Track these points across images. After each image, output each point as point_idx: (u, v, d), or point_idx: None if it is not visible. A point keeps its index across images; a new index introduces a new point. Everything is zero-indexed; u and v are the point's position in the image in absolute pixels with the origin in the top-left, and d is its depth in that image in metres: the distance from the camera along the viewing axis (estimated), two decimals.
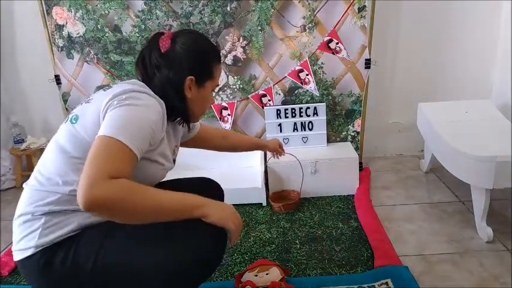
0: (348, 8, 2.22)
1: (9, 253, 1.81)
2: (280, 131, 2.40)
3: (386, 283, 1.51)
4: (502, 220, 1.91)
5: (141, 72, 1.19)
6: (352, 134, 2.48)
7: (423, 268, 1.62)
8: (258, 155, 2.33)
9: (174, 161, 1.33)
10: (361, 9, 2.23)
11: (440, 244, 1.78)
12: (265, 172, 2.23)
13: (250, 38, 2.30)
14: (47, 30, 2.32)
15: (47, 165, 1.10)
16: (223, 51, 2.33)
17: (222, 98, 2.41)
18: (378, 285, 1.50)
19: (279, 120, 2.38)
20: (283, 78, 2.36)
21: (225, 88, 2.40)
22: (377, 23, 2.26)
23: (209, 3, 2.24)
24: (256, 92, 2.39)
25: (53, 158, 1.09)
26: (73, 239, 1.07)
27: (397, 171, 2.53)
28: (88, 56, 2.37)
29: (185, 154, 2.46)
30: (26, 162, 2.69)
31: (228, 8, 2.25)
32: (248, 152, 2.38)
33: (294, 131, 2.40)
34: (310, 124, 2.39)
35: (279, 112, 2.37)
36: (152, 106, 1.08)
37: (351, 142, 2.48)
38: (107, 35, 2.32)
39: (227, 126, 2.41)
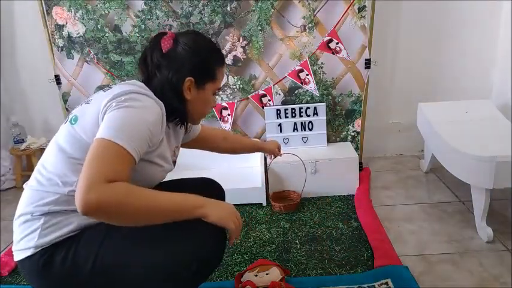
0: (348, 8, 2.22)
1: (9, 253, 1.81)
2: (280, 131, 2.40)
3: (386, 283, 1.51)
4: (502, 220, 1.91)
5: (143, 72, 1.19)
6: (352, 134, 2.48)
7: (423, 268, 1.62)
8: (258, 154, 2.33)
9: (175, 162, 1.33)
10: (361, 9, 2.23)
11: (440, 244, 1.78)
12: (266, 172, 2.23)
13: (250, 38, 2.30)
14: (47, 30, 2.32)
15: (46, 165, 1.10)
16: (223, 51, 2.32)
17: (222, 98, 2.41)
18: (378, 285, 1.50)
19: (279, 120, 2.38)
20: (283, 78, 2.36)
21: (225, 88, 2.40)
22: (377, 23, 2.26)
23: (209, 3, 2.24)
24: (256, 92, 2.39)
25: (53, 158, 1.10)
26: (73, 239, 1.07)
27: (397, 171, 2.53)
28: (88, 56, 2.37)
29: (185, 154, 2.46)
30: (26, 162, 2.69)
31: (228, 8, 2.25)
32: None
33: (294, 131, 2.40)
34: (310, 124, 2.39)
35: (279, 112, 2.37)
36: (150, 107, 1.08)
37: (351, 142, 2.48)
38: (107, 35, 2.32)
39: (227, 126, 2.41)
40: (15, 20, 2.54)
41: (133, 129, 1.00)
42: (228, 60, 2.34)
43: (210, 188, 1.46)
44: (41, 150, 2.61)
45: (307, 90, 2.36)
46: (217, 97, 2.41)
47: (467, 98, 2.38)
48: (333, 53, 2.28)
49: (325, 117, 2.37)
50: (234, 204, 2.17)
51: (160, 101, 1.11)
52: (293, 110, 2.37)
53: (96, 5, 2.27)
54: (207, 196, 1.09)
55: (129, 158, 0.97)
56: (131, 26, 2.30)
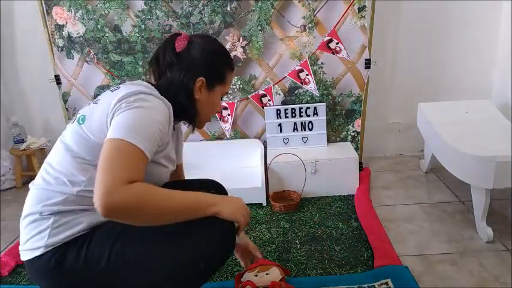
0: (348, 8, 2.22)
1: (9, 253, 1.81)
2: (280, 131, 2.40)
3: (386, 283, 1.51)
4: (502, 220, 1.91)
5: (153, 71, 1.19)
6: (352, 134, 2.48)
7: (423, 268, 1.62)
8: (258, 155, 2.33)
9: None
10: (361, 9, 2.23)
11: (440, 244, 1.78)
12: (266, 172, 2.23)
13: (250, 38, 2.30)
14: (47, 30, 2.32)
15: (53, 164, 1.11)
16: (220, 96, 2.32)
17: (221, 98, 2.41)
18: (378, 285, 1.51)
19: (279, 120, 2.38)
20: (283, 78, 2.36)
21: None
22: (377, 23, 2.26)
23: (209, 3, 2.24)
24: (256, 92, 2.39)
25: (60, 158, 1.10)
26: (84, 238, 1.07)
27: (397, 171, 2.53)
28: (88, 56, 2.37)
29: (185, 154, 2.47)
30: (26, 162, 2.69)
31: (228, 8, 2.25)
32: (248, 151, 2.40)
33: (294, 131, 2.40)
34: (310, 124, 2.39)
35: (279, 112, 2.37)
36: (158, 107, 1.08)
37: (351, 142, 2.48)
38: (107, 35, 2.32)
39: (227, 126, 2.41)
40: (15, 20, 2.54)
41: (145, 129, 1.01)
42: None
43: (215, 190, 1.46)
44: (41, 150, 2.62)
45: (307, 90, 2.36)
46: None
47: (467, 98, 2.39)
48: (333, 53, 2.28)
49: (325, 117, 2.37)
50: None
51: (167, 101, 1.12)
52: (293, 110, 2.37)
53: (96, 5, 2.27)
54: None
55: (143, 157, 0.99)
56: (131, 26, 2.30)
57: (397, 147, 2.76)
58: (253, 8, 2.24)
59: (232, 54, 2.33)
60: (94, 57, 2.36)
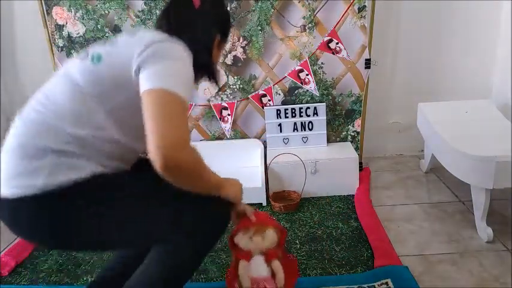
0: (348, 8, 2.22)
1: (9, 253, 1.81)
2: (280, 131, 2.40)
3: (386, 283, 1.51)
4: (502, 220, 1.91)
5: (166, 30, 1.13)
6: (352, 134, 2.48)
7: (423, 268, 1.62)
8: (258, 155, 2.33)
9: None
10: (361, 9, 2.23)
11: (440, 244, 1.78)
12: (266, 172, 2.23)
13: (250, 38, 2.30)
14: (47, 30, 2.32)
15: (52, 98, 1.02)
16: (223, 51, 2.33)
17: (222, 98, 2.41)
18: (378, 285, 1.51)
19: (279, 120, 2.38)
20: (283, 78, 2.36)
21: (225, 88, 2.40)
22: (377, 23, 2.26)
23: None
24: (256, 92, 2.39)
25: (63, 93, 1.02)
26: (85, 187, 0.97)
27: (397, 171, 2.53)
28: None
29: None
30: None
31: (228, 8, 2.25)
32: (248, 151, 2.40)
33: (294, 131, 2.40)
34: (310, 124, 2.39)
35: (279, 112, 2.37)
36: (189, 57, 1.06)
37: (351, 142, 2.48)
38: (107, 35, 2.32)
39: (227, 126, 2.41)
40: (15, 20, 2.54)
41: (188, 83, 1.02)
42: (228, 60, 2.34)
43: None
44: None
45: (307, 90, 2.36)
46: (217, 97, 2.41)
47: (467, 98, 2.38)
48: (333, 53, 2.28)
49: (325, 117, 2.36)
50: None
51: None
52: (293, 110, 2.37)
53: (96, 5, 2.27)
54: None
55: (188, 109, 1.04)
56: (131, 26, 2.30)
57: (397, 147, 2.76)
58: (253, 8, 2.24)
59: (232, 54, 2.33)
60: None
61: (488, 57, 2.52)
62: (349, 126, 2.47)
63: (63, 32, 2.33)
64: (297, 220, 2.03)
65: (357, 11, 2.23)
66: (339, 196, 2.25)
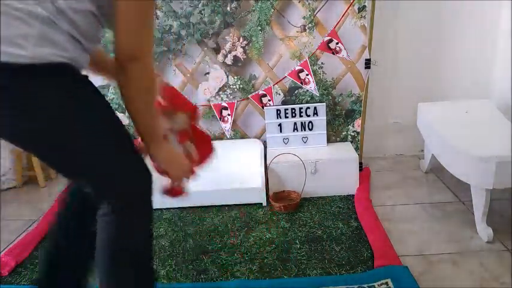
0: (348, 8, 2.22)
1: (9, 253, 1.81)
2: (280, 131, 2.40)
3: (386, 283, 1.51)
4: (502, 220, 1.91)
5: None
6: (352, 134, 2.48)
7: (423, 268, 1.62)
8: (258, 155, 2.33)
9: None
10: (361, 9, 2.23)
11: (440, 244, 1.78)
12: (266, 172, 2.23)
13: (250, 38, 2.30)
14: None
15: None
16: (223, 51, 2.33)
17: (222, 98, 2.41)
18: (378, 285, 1.51)
19: (279, 120, 2.38)
20: (283, 78, 2.36)
21: (225, 88, 2.40)
22: (377, 23, 2.26)
23: (209, 3, 2.24)
24: (256, 92, 2.39)
25: None
26: (67, 74, 0.97)
27: (397, 171, 2.53)
28: None
29: None
30: (27, 161, 2.69)
31: (228, 8, 2.25)
32: (248, 151, 2.40)
33: (294, 131, 2.40)
34: (310, 124, 2.39)
35: (279, 112, 2.37)
36: None
37: (351, 142, 2.48)
38: (107, 35, 2.32)
39: (227, 126, 2.41)
40: None
41: None
42: (228, 60, 2.34)
43: None
44: None
45: (307, 90, 2.36)
46: (217, 97, 2.41)
47: (467, 98, 2.39)
48: (333, 53, 2.28)
49: (325, 117, 2.36)
50: (234, 205, 2.19)
51: None
52: (293, 110, 2.37)
53: None
54: None
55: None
56: None
57: (397, 147, 2.76)
58: (253, 8, 2.24)
59: (232, 54, 2.33)
60: None
61: (488, 58, 2.52)
62: (349, 126, 2.47)
63: None
64: (297, 220, 2.04)
65: (357, 11, 2.23)
66: (339, 196, 2.25)
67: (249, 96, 2.39)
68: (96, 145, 1.03)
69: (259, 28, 2.28)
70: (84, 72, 1.06)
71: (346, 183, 2.25)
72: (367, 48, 2.29)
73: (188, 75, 2.38)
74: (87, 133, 1.01)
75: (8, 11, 0.90)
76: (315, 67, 2.33)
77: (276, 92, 2.40)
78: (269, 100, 2.38)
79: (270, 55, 2.34)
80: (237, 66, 2.36)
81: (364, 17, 2.24)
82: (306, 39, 2.30)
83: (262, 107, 2.39)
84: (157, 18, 2.28)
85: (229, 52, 2.33)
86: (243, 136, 2.51)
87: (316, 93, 2.35)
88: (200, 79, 2.39)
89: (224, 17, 2.26)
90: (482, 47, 2.51)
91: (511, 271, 1.57)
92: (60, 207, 1.26)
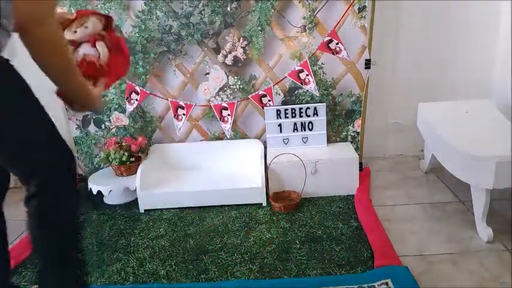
0: (348, 8, 2.22)
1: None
2: (280, 131, 2.40)
3: (386, 283, 1.51)
4: (502, 220, 1.91)
5: None
6: (352, 134, 2.48)
7: (423, 268, 1.62)
8: (258, 155, 2.33)
9: None
10: (361, 9, 2.23)
11: (440, 244, 1.78)
12: (266, 172, 2.23)
13: (250, 38, 2.30)
14: None
15: None
16: (223, 52, 2.33)
17: (222, 98, 2.41)
18: (378, 285, 1.51)
19: (279, 121, 2.38)
20: (283, 79, 2.36)
21: (225, 88, 2.40)
22: (377, 23, 2.26)
23: (209, 3, 2.24)
24: (256, 92, 2.39)
25: None
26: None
27: (397, 171, 2.53)
28: None
29: (185, 154, 2.48)
30: None
31: (228, 8, 2.25)
32: (248, 151, 2.41)
33: (294, 131, 2.40)
34: (310, 124, 2.39)
35: (279, 112, 2.37)
36: None
37: (351, 142, 2.48)
38: None
39: (227, 126, 2.41)
40: None
41: None
42: (228, 60, 2.34)
43: None
44: None
45: (307, 91, 2.36)
46: (217, 97, 2.41)
47: (467, 98, 2.38)
48: (333, 53, 2.28)
49: (325, 118, 2.36)
50: (234, 205, 2.19)
51: None
52: (293, 110, 2.37)
53: (96, 5, 2.27)
54: None
55: None
56: (131, 26, 2.30)
57: (397, 147, 2.76)
58: (253, 8, 2.25)
59: (233, 54, 2.33)
60: None
61: (488, 57, 2.52)
62: (349, 126, 2.47)
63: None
64: (297, 220, 2.04)
65: (357, 11, 2.23)
66: (339, 196, 2.25)
67: (249, 96, 2.39)
68: (26, 129, 1.10)
69: (259, 28, 2.28)
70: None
71: (346, 183, 2.25)
72: (367, 48, 2.29)
73: (188, 75, 2.38)
74: (16, 117, 1.08)
75: None
76: (315, 67, 2.34)
77: (276, 92, 2.40)
78: (269, 100, 2.38)
79: (270, 55, 2.34)
80: (237, 67, 2.36)
81: (364, 17, 2.24)
82: (306, 39, 2.30)
83: (262, 107, 2.39)
84: (158, 19, 2.28)
85: (229, 52, 2.33)
86: (243, 136, 2.51)
87: (316, 93, 2.35)
88: (200, 79, 2.39)
89: (224, 17, 2.26)
90: (482, 47, 2.51)
91: (511, 271, 1.57)
92: None
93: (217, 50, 2.34)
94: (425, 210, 2.06)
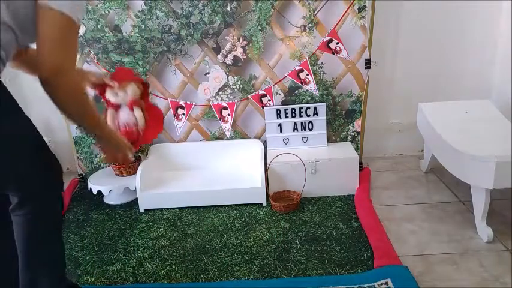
0: (348, 8, 2.22)
1: None
2: (280, 131, 2.40)
3: (386, 283, 1.51)
4: (502, 220, 1.91)
5: None
6: (352, 134, 2.48)
7: (423, 268, 1.62)
8: (258, 155, 2.33)
9: None
10: (361, 9, 2.23)
11: (440, 244, 1.78)
12: (266, 172, 2.23)
13: (250, 38, 2.30)
14: None
15: None
16: (223, 51, 2.33)
17: (222, 98, 2.41)
18: (378, 285, 1.51)
19: (279, 120, 2.38)
20: (283, 78, 2.36)
21: (225, 88, 2.40)
22: (377, 23, 2.26)
23: (209, 3, 2.24)
24: (256, 92, 2.39)
25: None
26: None
27: (397, 171, 2.53)
28: (88, 56, 2.37)
29: (185, 154, 2.47)
30: None
31: (228, 8, 2.25)
32: (248, 151, 2.41)
33: (294, 131, 2.40)
34: (310, 124, 2.39)
35: (279, 112, 2.37)
36: None
37: (351, 142, 2.48)
38: (107, 35, 2.32)
39: (227, 126, 2.41)
40: None
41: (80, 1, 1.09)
42: (228, 60, 2.34)
43: None
44: None
45: (307, 90, 2.36)
46: (217, 97, 2.41)
47: (467, 98, 2.38)
48: (333, 53, 2.28)
49: (325, 117, 2.36)
50: (234, 205, 2.19)
51: None
52: (293, 110, 2.37)
53: (96, 5, 2.27)
54: None
55: (78, 32, 1.11)
56: (131, 26, 2.30)
57: (397, 147, 2.76)
58: (253, 8, 2.24)
59: (232, 54, 2.33)
60: (94, 57, 2.35)
61: (488, 57, 2.52)
62: (349, 126, 2.47)
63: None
64: (297, 220, 2.04)
65: (357, 11, 2.23)
66: (338, 196, 2.25)
67: (249, 96, 2.39)
68: (21, 156, 1.17)
69: (259, 28, 2.28)
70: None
71: (346, 183, 2.25)
72: (367, 48, 2.29)
73: (188, 75, 2.38)
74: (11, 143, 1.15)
75: None
76: (315, 67, 2.33)
77: (276, 92, 2.40)
78: (269, 100, 2.38)
79: (270, 55, 2.34)
80: (237, 66, 2.36)
81: (364, 17, 2.24)
82: (306, 39, 2.30)
83: (262, 107, 2.39)
84: (158, 18, 2.28)
85: (229, 52, 2.33)
86: (243, 136, 2.51)
87: (316, 93, 2.35)
88: (200, 79, 2.39)
89: (224, 17, 2.26)
90: (482, 47, 2.51)
91: (511, 271, 1.57)
92: None
93: (217, 50, 2.34)
94: (425, 210, 2.06)
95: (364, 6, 2.22)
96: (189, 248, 1.86)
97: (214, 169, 2.44)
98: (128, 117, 1.55)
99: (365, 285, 1.52)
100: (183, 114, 2.40)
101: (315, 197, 2.25)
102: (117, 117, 1.55)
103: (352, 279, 1.56)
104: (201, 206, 2.21)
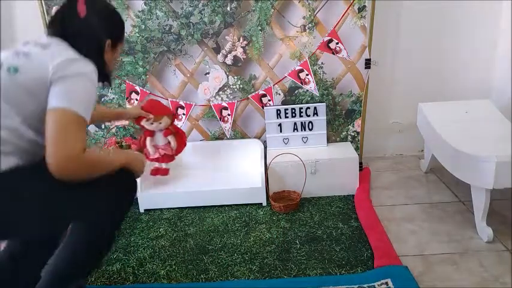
0: (348, 8, 2.22)
1: None
2: (280, 131, 2.40)
3: (386, 283, 1.51)
4: (502, 220, 1.91)
5: (57, 32, 1.26)
6: (352, 134, 2.48)
7: (423, 268, 1.62)
8: (258, 155, 2.33)
9: None
10: (361, 9, 2.23)
11: (440, 244, 1.78)
12: (266, 172, 2.23)
13: (250, 38, 2.30)
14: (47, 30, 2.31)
15: None
16: (223, 51, 2.33)
17: (222, 98, 2.41)
18: (378, 285, 1.51)
19: (279, 120, 2.38)
20: (283, 78, 2.36)
21: (225, 88, 2.40)
22: (377, 23, 2.27)
23: (209, 3, 2.24)
24: (256, 92, 2.39)
25: None
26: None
27: (397, 171, 2.53)
28: None
29: (185, 154, 2.47)
30: None
31: (228, 8, 2.25)
32: (248, 151, 2.41)
33: (294, 131, 2.40)
34: (310, 124, 2.39)
35: (279, 112, 2.37)
36: (93, 71, 1.20)
37: (351, 142, 2.48)
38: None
39: (227, 126, 2.41)
40: (15, 20, 2.54)
41: (88, 97, 1.17)
42: (228, 60, 2.34)
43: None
44: None
45: (307, 90, 2.36)
46: (217, 97, 2.41)
47: (467, 98, 2.38)
48: (333, 53, 2.28)
49: (325, 117, 2.37)
50: (234, 205, 2.19)
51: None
52: (293, 110, 2.37)
53: None
54: None
55: (85, 124, 1.16)
56: (131, 26, 2.30)
57: (397, 147, 2.76)
58: (253, 8, 2.24)
59: (232, 54, 2.33)
60: None
61: (488, 58, 2.52)
62: (349, 126, 2.47)
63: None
64: (297, 220, 2.04)
65: (357, 11, 2.23)
66: (339, 196, 2.25)
67: (249, 96, 2.39)
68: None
69: (259, 28, 2.28)
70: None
71: (346, 183, 2.25)
72: (367, 48, 2.29)
73: (188, 75, 2.38)
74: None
75: None
76: (315, 67, 2.34)
77: (276, 92, 2.40)
78: (269, 100, 2.38)
79: (270, 55, 2.34)
80: (237, 66, 2.36)
81: (364, 17, 2.24)
82: (306, 39, 2.30)
83: (262, 107, 2.39)
84: (158, 18, 2.28)
85: (229, 52, 2.33)
86: (243, 136, 2.51)
87: (316, 93, 2.35)
88: (200, 79, 2.39)
89: (224, 17, 2.26)
90: (482, 47, 2.51)
91: (511, 271, 1.57)
92: None
93: (217, 50, 2.34)
94: (425, 210, 2.06)
95: (364, 6, 2.22)
96: (189, 248, 1.86)
97: (214, 169, 2.44)
98: (164, 141, 2.18)
99: (365, 285, 1.52)
100: (183, 114, 2.40)
101: (315, 197, 2.25)
102: (154, 141, 2.18)
103: (352, 279, 1.56)
104: (201, 206, 2.22)
